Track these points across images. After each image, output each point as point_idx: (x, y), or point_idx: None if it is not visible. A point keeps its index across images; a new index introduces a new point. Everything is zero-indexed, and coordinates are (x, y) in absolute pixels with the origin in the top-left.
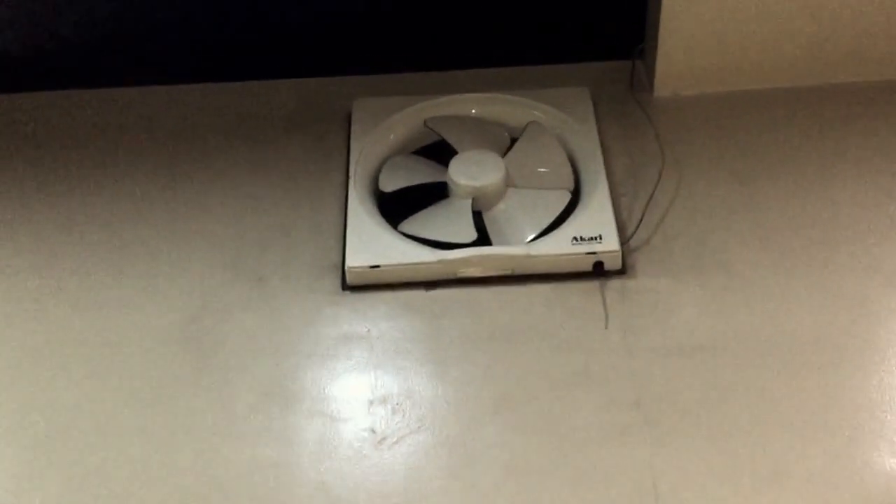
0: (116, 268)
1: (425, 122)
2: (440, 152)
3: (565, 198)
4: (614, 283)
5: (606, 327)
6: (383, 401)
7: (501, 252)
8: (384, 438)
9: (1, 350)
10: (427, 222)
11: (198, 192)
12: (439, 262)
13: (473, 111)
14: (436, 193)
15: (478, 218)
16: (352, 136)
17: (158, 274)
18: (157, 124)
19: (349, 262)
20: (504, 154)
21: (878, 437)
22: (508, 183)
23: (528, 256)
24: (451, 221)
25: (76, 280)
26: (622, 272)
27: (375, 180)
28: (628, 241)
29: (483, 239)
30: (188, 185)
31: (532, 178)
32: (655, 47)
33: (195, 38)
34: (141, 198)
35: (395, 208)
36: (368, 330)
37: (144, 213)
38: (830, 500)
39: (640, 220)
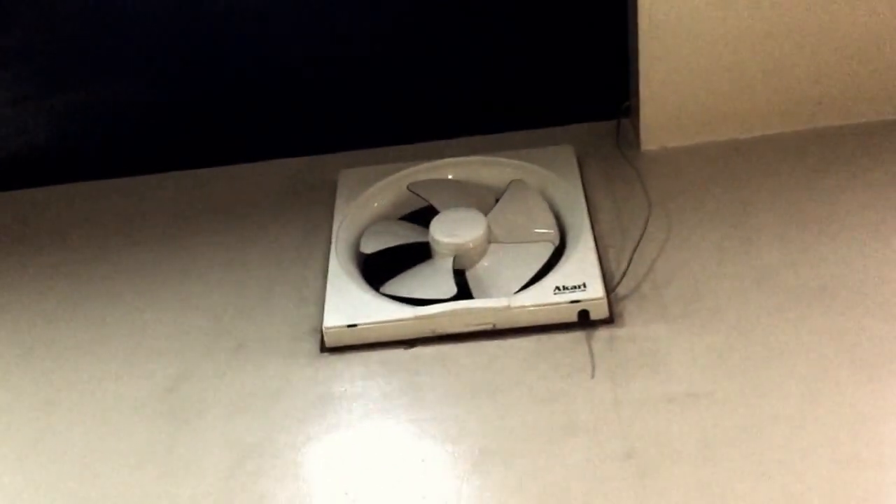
0: (96, 337)
1: (408, 187)
2: (425, 219)
3: (548, 250)
4: (602, 333)
5: (593, 377)
6: (357, 461)
7: (480, 305)
8: (355, 501)
9: None
10: (408, 282)
11: (183, 269)
12: (416, 318)
13: (457, 175)
14: (419, 256)
15: (462, 277)
16: (336, 204)
17: (138, 344)
18: (146, 210)
19: (326, 323)
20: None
21: (887, 491)
22: (491, 239)
23: (509, 308)
24: (431, 280)
25: (54, 350)
26: (610, 321)
27: (358, 246)
28: (615, 288)
29: (467, 297)
30: (173, 261)
31: (515, 233)
32: (638, 103)
33: (185, 127)
34: (126, 272)
35: (379, 272)
36: (345, 390)
37: (129, 285)
38: None
39: (627, 267)
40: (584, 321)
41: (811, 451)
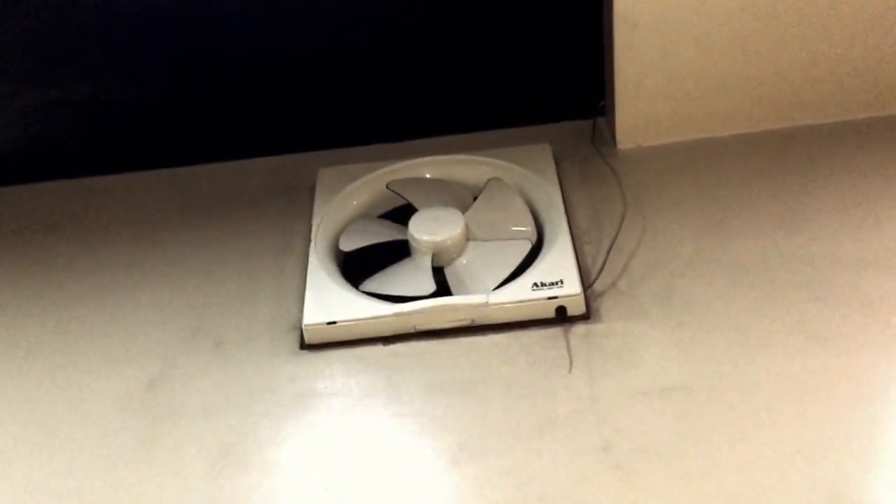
0: (74, 334)
1: (387, 185)
2: (403, 217)
3: (525, 247)
4: (579, 329)
5: (570, 372)
6: (337, 457)
7: (459, 302)
8: (337, 496)
9: None
10: (387, 280)
11: (161, 265)
12: (396, 315)
13: (435, 173)
14: (398, 254)
15: (440, 274)
16: (315, 202)
17: (117, 342)
18: (124, 208)
19: (306, 320)
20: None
21: (857, 483)
22: (469, 237)
23: (487, 305)
24: (410, 277)
25: (34, 348)
26: (587, 317)
27: (338, 244)
28: (592, 285)
29: (446, 294)
30: (152, 259)
31: (493, 231)
32: (614, 102)
33: (164, 126)
34: (104, 271)
35: (359, 270)
36: (325, 387)
37: (107, 283)
38: None
39: (604, 264)
40: (562, 317)
41: (785, 444)
